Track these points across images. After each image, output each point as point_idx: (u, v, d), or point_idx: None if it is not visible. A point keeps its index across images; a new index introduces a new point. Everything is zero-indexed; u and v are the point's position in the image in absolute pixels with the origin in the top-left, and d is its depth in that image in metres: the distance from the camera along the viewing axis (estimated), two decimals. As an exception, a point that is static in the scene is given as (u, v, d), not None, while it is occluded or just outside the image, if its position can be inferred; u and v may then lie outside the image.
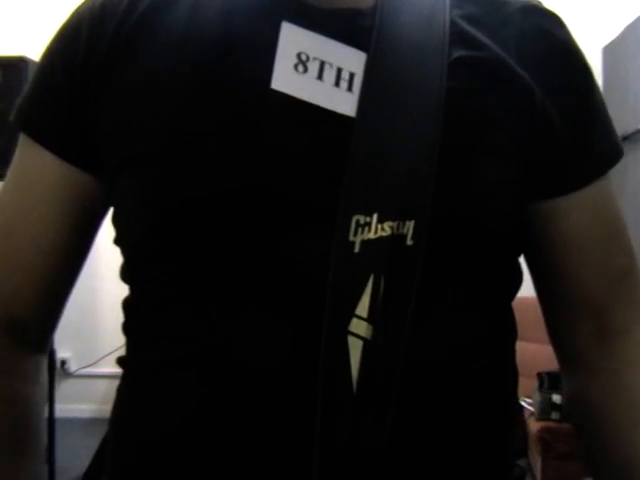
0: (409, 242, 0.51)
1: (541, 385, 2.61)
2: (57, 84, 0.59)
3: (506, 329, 0.61)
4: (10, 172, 0.63)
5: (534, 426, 2.59)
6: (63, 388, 3.45)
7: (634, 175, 2.70)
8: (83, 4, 0.62)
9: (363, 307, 0.50)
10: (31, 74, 0.64)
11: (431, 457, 0.54)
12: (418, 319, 0.51)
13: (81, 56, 0.58)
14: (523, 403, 2.67)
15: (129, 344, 0.60)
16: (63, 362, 3.64)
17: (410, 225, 0.51)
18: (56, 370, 2.62)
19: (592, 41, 3.21)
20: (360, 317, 0.50)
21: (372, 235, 0.51)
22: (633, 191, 2.70)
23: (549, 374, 2.54)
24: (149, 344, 0.57)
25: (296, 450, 0.50)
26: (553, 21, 0.62)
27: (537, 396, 2.61)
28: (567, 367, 0.67)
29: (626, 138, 2.70)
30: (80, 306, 3.15)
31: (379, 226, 0.51)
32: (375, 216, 0.51)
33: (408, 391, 0.52)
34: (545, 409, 2.57)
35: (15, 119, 0.62)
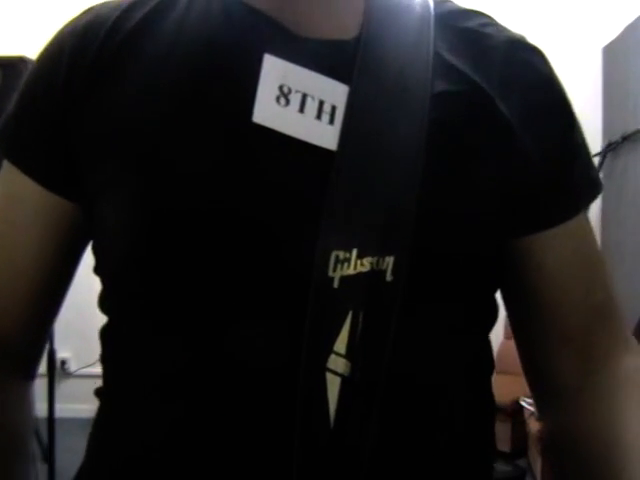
0: (388, 278, 0.51)
1: (541, 385, 2.60)
2: (39, 110, 0.59)
3: (483, 362, 0.61)
4: None
5: (534, 426, 2.59)
6: (63, 388, 3.44)
7: (634, 175, 2.69)
8: (65, 27, 0.61)
9: (342, 343, 0.50)
10: (31, 74, 0.63)
11: None
12: (397, 355, 0.51)
13: (62, 79, 0.57)
14: (523, 403, 2.67)
15: (112, 373, 0.60)
16: (63, 362, 3.62)
17: (390, 261, 0.51)
18: (56, 370, 2.61)
19: (592, 41, 3.21)
20: (338, 354, 0.50)
21: (351, 271, 0.50)
22: (633, 191, 2.69)
23: (549, 374, 2.54)
24: (134, 371, 0.56)
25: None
26: (536, 55, 0.62)
27: (537, 396, 2.60)
28: (545, 404, 0.66)
29: (626, 138, 2.69)
30: (80, 306, 3.14)
31: (358, 262, 0.50)
32: (355, 251, 0.50)
33: (386, 427, 0.51)
34: (545, 409, 2.56)
35: None
